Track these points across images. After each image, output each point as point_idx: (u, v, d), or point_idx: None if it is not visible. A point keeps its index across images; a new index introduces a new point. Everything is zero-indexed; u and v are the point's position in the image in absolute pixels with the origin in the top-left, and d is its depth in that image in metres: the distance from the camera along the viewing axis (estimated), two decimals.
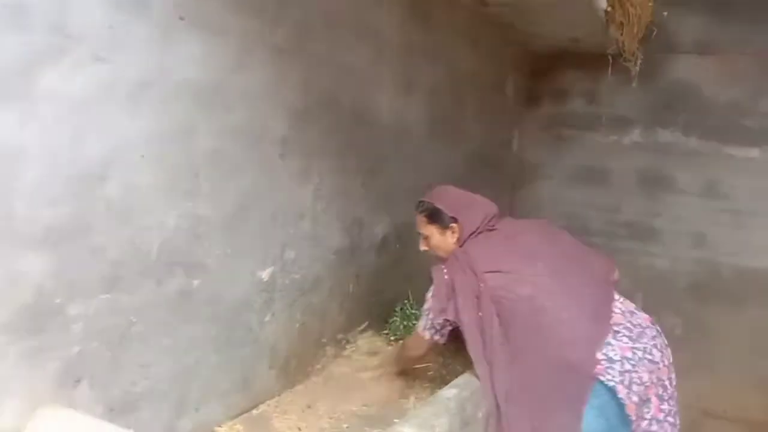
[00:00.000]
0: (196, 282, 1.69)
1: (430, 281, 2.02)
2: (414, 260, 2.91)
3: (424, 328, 2.04)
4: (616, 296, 1.94)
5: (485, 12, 3.06)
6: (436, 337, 2.03)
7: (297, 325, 2.14)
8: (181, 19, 1.51)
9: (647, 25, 3.35)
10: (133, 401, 1.55)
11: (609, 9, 2.91)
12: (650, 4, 3.36)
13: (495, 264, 1.90)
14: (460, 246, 2.03)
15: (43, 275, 1.29)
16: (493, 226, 2.06)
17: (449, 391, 1.65)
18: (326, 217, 2.22)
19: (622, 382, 1.73)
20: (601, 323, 1.82)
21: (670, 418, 1.82)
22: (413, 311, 2.83)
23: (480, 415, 1.66)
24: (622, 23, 3.11)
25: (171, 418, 1.67)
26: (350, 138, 2.29)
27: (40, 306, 1.29)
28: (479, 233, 2.03)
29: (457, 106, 3.17)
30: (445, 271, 1.96)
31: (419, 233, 2.16)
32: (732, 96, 3.66)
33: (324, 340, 2.30)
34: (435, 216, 2.08)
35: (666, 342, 1.92)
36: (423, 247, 2.16)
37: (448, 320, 1.95)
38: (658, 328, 1.93)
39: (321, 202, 2.17)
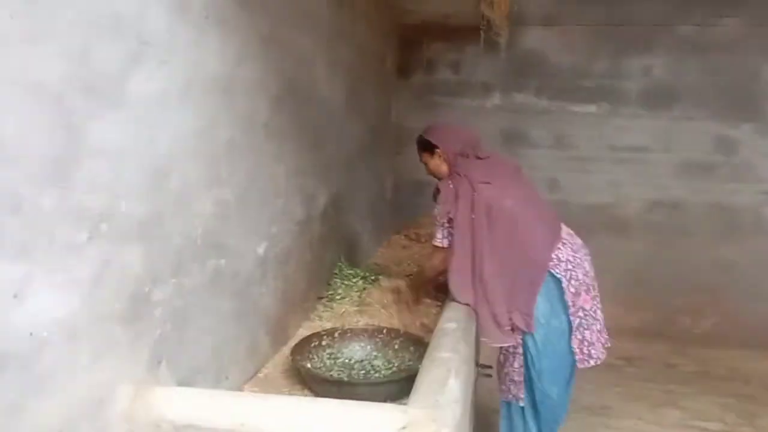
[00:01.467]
0: (223, 261, 1.83)
1: (434, 201, 2.47)
2: (345, 225, 3.20)
3: (443, 238, 2.42)
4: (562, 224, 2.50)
5: None
6: (447, 242, 2.42)
7: (279, 294, 2.33)
8: (206, 17, 1.62)
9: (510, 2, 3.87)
10: (192, 376, 1.68)
11: None
12: None
13: (486, 180, 2.37)
14: (454, 167, 2.46)
15: (137, 266, 1.39)
16: (480, 155, 2.51)
17: (449, 325, 1.98)
18: (293, 193, 2.41)
19: (565, 276, 2.33)
20: (555, 235, 2.40)
21: (596, 311, 2.41)
22: (349, 271, 3.12)
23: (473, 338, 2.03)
24: (492, 2, 3.58)
25: (212, 388, 1.81)
26: (304, 118, 2.48)
27: (137, 294, 1.39)
28: (468, 157, 2.48)
29: (359, 82, 3.44)
30: (449, 183, 2.42)
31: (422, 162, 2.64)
32: (572, 62, 4.37)
33: (294, 306, 2.51)
34: (423, 145, 2.58)
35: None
36: (428, 173, 2.63)
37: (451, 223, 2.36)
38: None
39: (290, 179, 2.35)
